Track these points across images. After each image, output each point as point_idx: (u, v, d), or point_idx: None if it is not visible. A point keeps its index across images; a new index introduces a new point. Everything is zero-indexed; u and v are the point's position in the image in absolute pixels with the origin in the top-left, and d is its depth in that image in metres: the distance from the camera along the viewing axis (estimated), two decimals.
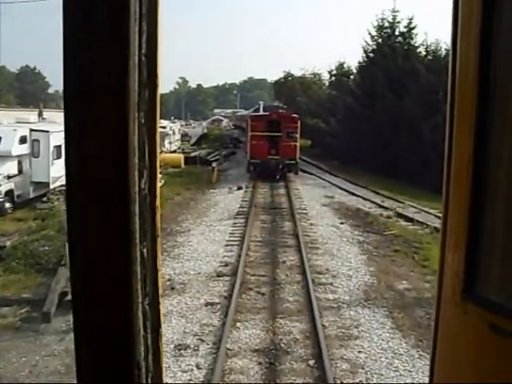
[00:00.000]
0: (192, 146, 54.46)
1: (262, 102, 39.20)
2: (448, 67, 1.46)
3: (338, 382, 9.17)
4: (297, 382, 9.21)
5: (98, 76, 1.02)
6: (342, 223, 21.33)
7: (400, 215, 23.15)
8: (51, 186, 24.25)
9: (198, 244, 17.55)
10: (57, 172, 24.92)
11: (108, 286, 1.07)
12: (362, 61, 45.16)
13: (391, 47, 41.37)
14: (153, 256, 1.12)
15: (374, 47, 43.73)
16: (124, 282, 1.07)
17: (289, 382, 9.20)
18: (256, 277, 14.22)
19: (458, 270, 1.39)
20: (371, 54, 43.90)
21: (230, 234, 18.78)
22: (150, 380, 1.12)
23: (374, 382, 9.17)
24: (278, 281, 13.97)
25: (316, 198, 26.70)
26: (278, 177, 30.69)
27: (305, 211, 22.98)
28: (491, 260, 1.37)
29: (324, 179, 33.23)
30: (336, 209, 24.29)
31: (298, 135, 31.50)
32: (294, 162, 31.19)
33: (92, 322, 1.08)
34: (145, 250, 1.09)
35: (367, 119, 40.32)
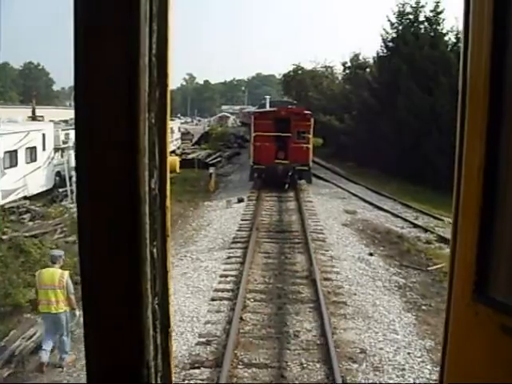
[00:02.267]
0: (193, 145, 48.92)
1: (268, 97, 33.32)
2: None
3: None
4: None
5: (108, 76, 1.00)
6: (371, 254, 15.77)
7: (442, 239, 17.52)
8: (1, 202, 18.85)
9: (175, 295, 12.06)
10: (10, 184, 19.52)
11: (118, 285, 1.04)
12: (380, 51, 39.46)
13: (415, 34, 35.62)
14: (163, 256, 1.09)
15: (394, 35, 38.10)
16: (134, 281, 1.04)
17: None
18: (252, 370, 8.69)
19: (469, 271, 1.37)
20: (391, 44, 38.27)
21: (221, 276, 13.25)
22: (159, 380, 1.09)
23: None
24: (287, 380, 8.46)
25: (334, 213, 21.11)
26: (286, 186, 24.96)
27: (321, 235, 17.40)
28: (502, 261, 1.35)
29: (341, 187, 27.56)
30: (361, 230, 18.72)
31: (310, 136, 25.76)
32: (306, 167, 25.47)
33: (102, 322, 1.06)
34: (155, 250, 1.06)
35: (387, 116, 34.84)
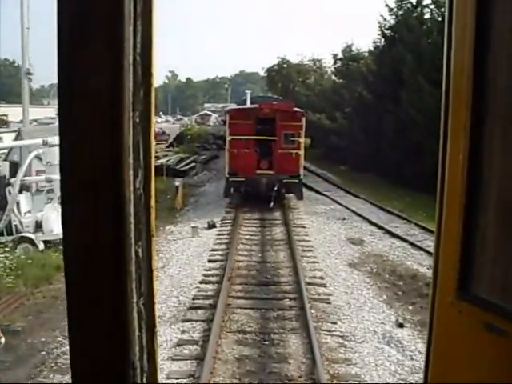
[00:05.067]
0: (168, 148, 42.83)
1: (249, 92, 27.34)
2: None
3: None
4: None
5: (92, 75, 0.98)
6: (401, 325, 10.13)
7: None
8: None
9: None
10: None
11: (103, 286, 1.01)
12: (377, 40, 33.91)
13: (419, 19, 30.13)
14: (148, 256, 1.07)
15: (394, 22, 32.58)
16: (119, 281, 1.01)
17: None
18: None
19: (453, 270, 1.37)
20: (390, 32, 32.76)
21: None
22: (144, 380, 1.06)
23: None
24: None
25: (335, 245, 15.42)
26: (272, 204, 19.16)
27: (323, 290, 11.66)
28: (485, 260, 1.35)
29: (338, 202, 21.81)
30: (375, 275, 13.08)
31: (301, 139, 19.91)
32: (296, 179, 19.61)
33: (87, 322, 1.03)
34: (140, 250, 1.04)
35: (387, 113, 29.47)
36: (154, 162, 1.06)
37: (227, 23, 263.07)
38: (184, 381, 7.87)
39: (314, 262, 13.52)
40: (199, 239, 15.83)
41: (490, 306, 1.27)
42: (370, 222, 18.30)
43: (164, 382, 7.75)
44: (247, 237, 15.91)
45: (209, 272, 12.65)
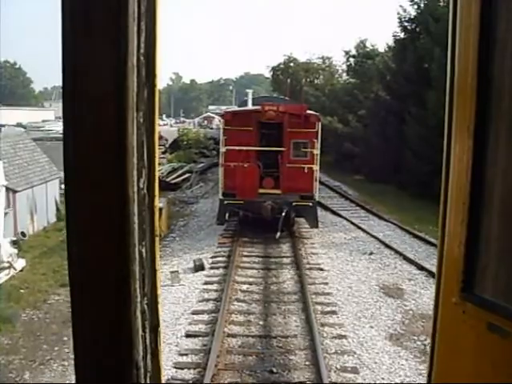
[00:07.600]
0: (164, 153, 38.43)
1: (250, 91, 22.93)
2: None
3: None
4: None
5: (96, 76, 0.96)
6: None
7: None
8: None
9: None
10: None
11: (107, 285, 0.99)
12: (398, 34, 29.52)
13: (448, 7, 25.69)
14: (151, 256, 1.04)
15: (415, 13, 28.33)
16: (123, 281, 0.99)
17: None
18: None
19: (457, 270, 1.35)
20: (409, 24, 28.52)
21: None
22: (148, 380, 1.04)
23: None
24: None
25: (367, 301, 11.00)
26: (278, 234, 14.63)
27: None
28: (489, 261, 1.33)
29: (360, 227, 17.30)
30: None
31: (316, 150, 15.44)
32: (309, 202, 15.13)
33: (91, 322, 1.01)
34: (143, 250, 1.02)
35: (409, 116, 25.38)
36: (157, 163, 1.02)
37: (231, 24, 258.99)
38: None
39: (341, 337, 9.09)
40: (180, 290, 11.45)
41: (494, 306, 1.25)
42: (406, 258, 13.88)
43: None
44: (245, 287, 11.47)
45: (184, 359, 8.27)
